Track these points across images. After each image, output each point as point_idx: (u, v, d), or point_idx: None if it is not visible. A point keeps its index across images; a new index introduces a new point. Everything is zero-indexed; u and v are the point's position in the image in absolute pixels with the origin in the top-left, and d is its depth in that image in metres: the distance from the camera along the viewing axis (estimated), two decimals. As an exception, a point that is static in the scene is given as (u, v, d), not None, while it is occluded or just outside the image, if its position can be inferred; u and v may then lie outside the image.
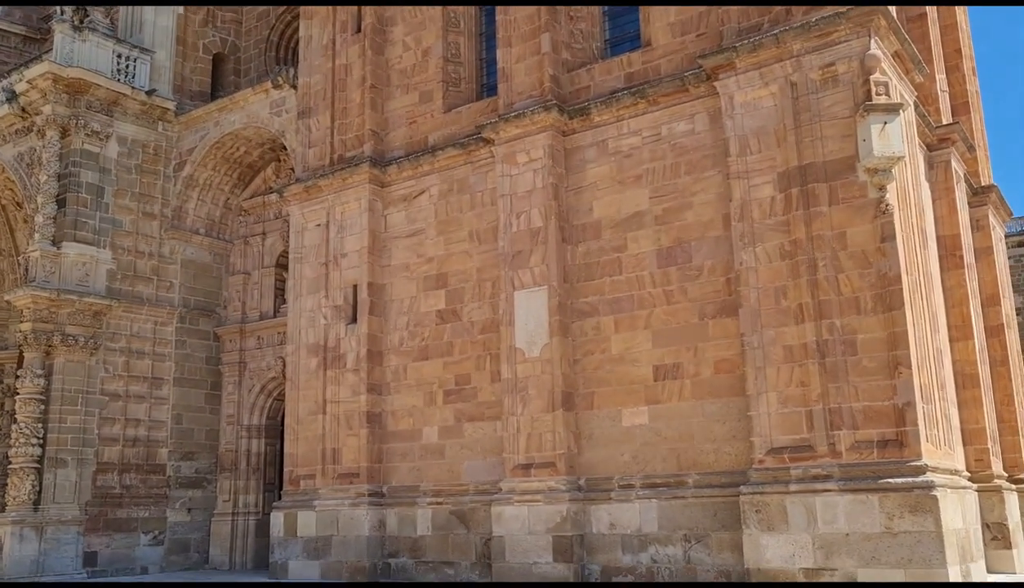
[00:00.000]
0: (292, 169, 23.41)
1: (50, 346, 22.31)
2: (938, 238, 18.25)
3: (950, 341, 17.81)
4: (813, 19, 14.81)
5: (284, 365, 22.24)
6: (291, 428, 20.67)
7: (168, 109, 25.01)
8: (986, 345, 19.57)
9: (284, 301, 23.37)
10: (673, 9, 17.21)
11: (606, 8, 18.82)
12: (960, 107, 20.95)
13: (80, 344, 22.57)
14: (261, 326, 24.86)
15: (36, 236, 22.84)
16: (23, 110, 23.98)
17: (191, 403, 24.80)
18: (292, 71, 22.95)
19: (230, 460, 24.53)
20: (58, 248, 22.77)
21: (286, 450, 20.89)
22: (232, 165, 25.47)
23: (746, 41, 15.32)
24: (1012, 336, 20.52)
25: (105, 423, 23.00)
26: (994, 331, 19.92)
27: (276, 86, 23.27)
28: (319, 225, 20.96)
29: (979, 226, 20.43)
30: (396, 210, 20.32)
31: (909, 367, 13.41)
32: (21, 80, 23.50)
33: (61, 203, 23.17)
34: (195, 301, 25.32)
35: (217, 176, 25.43)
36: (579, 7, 18.59)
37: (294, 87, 22.72)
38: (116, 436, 23.18)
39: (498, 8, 19.05)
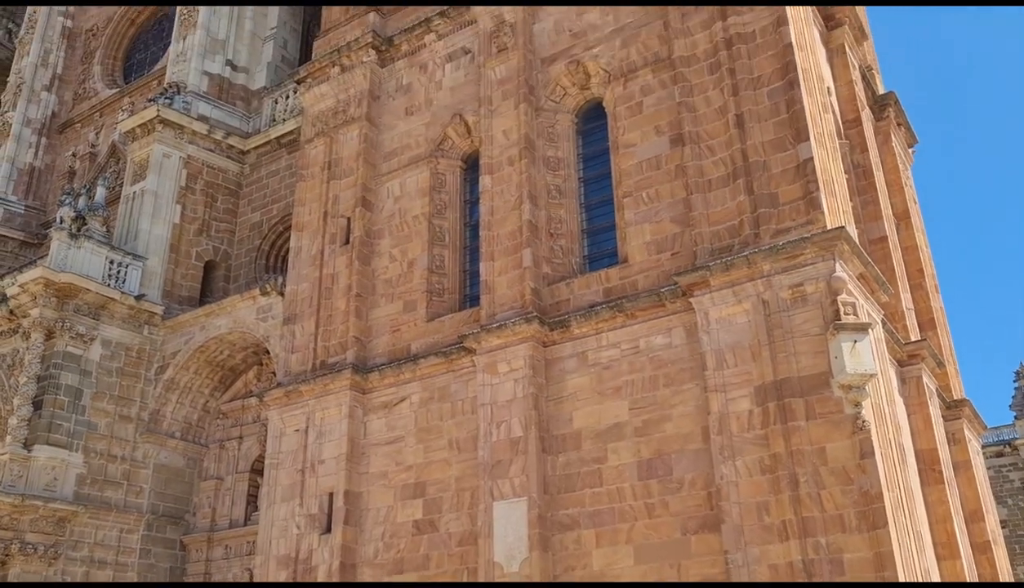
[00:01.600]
0: (274, 373, 23.50)
1: (7, 555, 21.33)
2: (916, 453, 18.33)
3: (937, 559, 17.45)
4: (780, 242, 15.64)
5: (251, 577, 21.28)
6: (255, 648, 19.50)
7: (156, 313, 25.41)
8: (974, 563, 19.17)
9: (256, 509, 22.71)
10: (648, 229, 18.10)
11: (584, 227, 19.79)
12: (926, 323, 21.70)
13: (39, 553, 21.60)
14: (230, 535, 23.99)
15: (8, 439, 22.46)
16: (11, 312, 24.31)
17: (150, 619, 23.48)
18: (280, 279, 23.61)
19: (186, 683, 22.91)
20: (29, 451, 22.34)
21: (248, 673, 19.61)
22: (214, 368, 25.58)
23: (719, 261, 16.06)
24: (1000, 553, 20.14)
25: (55, 641, 21.63)
26: (981, 548, 19.58)
27: (264, 293, 23.86)
28: (298, 430, 20.77)
29: (955, 440, 20.59)
30: (376, 417, 20.25)
31: (898, 589, 13.08)
32: (13, 284, 24.00)
33: (38, 405, 23.00)
34: (164, 507, 24.57)
35: (198, 379, 25.47)
36: (559, 226, 19.52)
37: (281, 294, 23.27)
38: (65, 658, 21.73)
39: (482, 224, 19.96)
